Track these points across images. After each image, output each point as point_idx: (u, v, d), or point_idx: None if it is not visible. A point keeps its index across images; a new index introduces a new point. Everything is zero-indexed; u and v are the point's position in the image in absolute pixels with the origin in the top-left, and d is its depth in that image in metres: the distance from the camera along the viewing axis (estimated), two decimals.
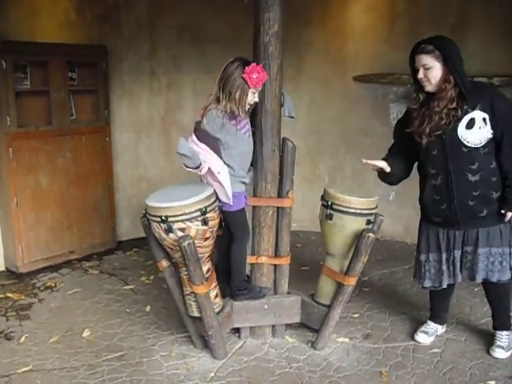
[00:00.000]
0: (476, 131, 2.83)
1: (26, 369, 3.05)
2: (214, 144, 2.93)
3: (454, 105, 2.85)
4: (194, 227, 2.79)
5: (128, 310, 3.80)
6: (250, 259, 3.26)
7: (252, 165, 3.15)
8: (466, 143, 2.85)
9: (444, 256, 3.11)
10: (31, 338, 3.40)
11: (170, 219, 2.75)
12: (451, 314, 3.76)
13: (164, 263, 3.09)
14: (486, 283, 3.12)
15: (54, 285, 4.21)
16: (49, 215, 4.52)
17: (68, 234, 4.68)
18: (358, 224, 3.07)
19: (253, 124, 3.11)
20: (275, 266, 3.31)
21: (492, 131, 2.83)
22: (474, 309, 3.87)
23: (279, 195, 3.19)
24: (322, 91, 5.39)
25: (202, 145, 2.90)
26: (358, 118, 5.24)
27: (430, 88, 2.93)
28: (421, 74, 2.92)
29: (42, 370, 3.04)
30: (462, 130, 2.85)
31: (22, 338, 3.39)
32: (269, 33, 2.97)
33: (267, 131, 3.09)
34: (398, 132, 3.21)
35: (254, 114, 3.12)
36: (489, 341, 3.37)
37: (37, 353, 3.23)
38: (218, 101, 2.95)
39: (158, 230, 2.82)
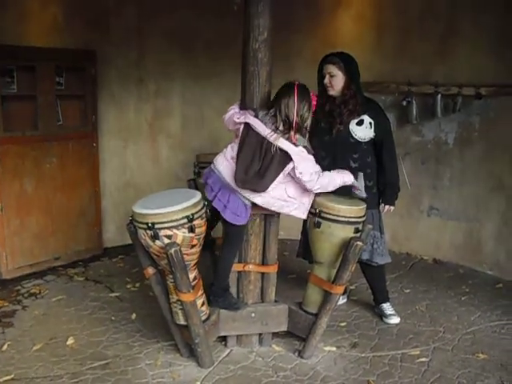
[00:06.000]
0: (363, 129, 3.51)
1: (8, 378, 2.99)
2: None
3: (352, 107, 3.46)
4: (181, 234, 2.76)
5: (113, 318, 3.75)
6: (237, 267, 3.24)
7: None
8: (354, 135, 3.50)
9: None
10: (14, 345, 3.35)
11: (156, 226, 2.73)
12: (438, 323, 3.77)
13: (150, 270, 3.06)
14: (363, 263, 3.69)
15: (38, 292, 4.15)
16: (34, 221, 4.47)
17: (53, 240, 4.62)
18: (347, 232, 3.07)
19: None
20: (262, 274, 3.29)
21: (374, 134, 3.53)
22: (461, 318, 3.88)
23: None
24: None
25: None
26: None
27: (332, 92, 3.52)
28: (326, 80, 3.51)
29: (25, 379, 2.99)
30: (353, 125, 3.50)
31: (5, 346, 3.32)
32: (258, 39, 2.97)
33: None
34: None
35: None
36: (476, 350, 3.39)
37: (20, 361, 3.17)
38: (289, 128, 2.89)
39: (145, 236, 2.80)
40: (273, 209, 3.00)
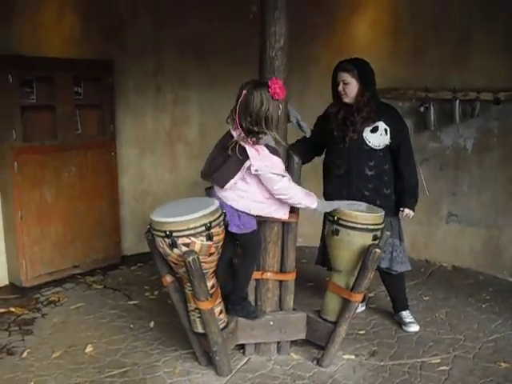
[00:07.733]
0: (377, 136, 3.44)
1: None
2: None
3: (366, 115, 3.41)
4: (199, 242, 2.76)
5: (132, 326, 3.76)
6: (255, 275, 3.23)
7: None
8: (368, 143, 3.44)
9: None
10: (33, 353, 3.37)
11: (174, 234, 2.73)
12: (459, 331, 3.72)
13: (168, 278, 3.06)
14: (383, 271, 3.66)
15: (57, 299, 4.18)
16: (53, 229, 4.50)
17: (72, 248, 4.66)
18: (365, 240, 3.04)
19: None
20: (280, 281, 3.28)
21: (390, 140, 3.46)
22: (482, 325, 3.83)
23: None
24: None
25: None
26: None
27: (346, 100, 3.49)
28: (340, 88, 3.48)
29: None
30: (367, 132, 3.44)
31: (25, 353, 3.36)
32: (275, 47, 2.97)
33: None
34: (316, 126, 3.72)
35: None
36: (498, 359, 3.34)
37: (39, 368, 3.20)
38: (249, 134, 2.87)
39: (163, 245, 2.80)
40: (252, 212, 2.99)
